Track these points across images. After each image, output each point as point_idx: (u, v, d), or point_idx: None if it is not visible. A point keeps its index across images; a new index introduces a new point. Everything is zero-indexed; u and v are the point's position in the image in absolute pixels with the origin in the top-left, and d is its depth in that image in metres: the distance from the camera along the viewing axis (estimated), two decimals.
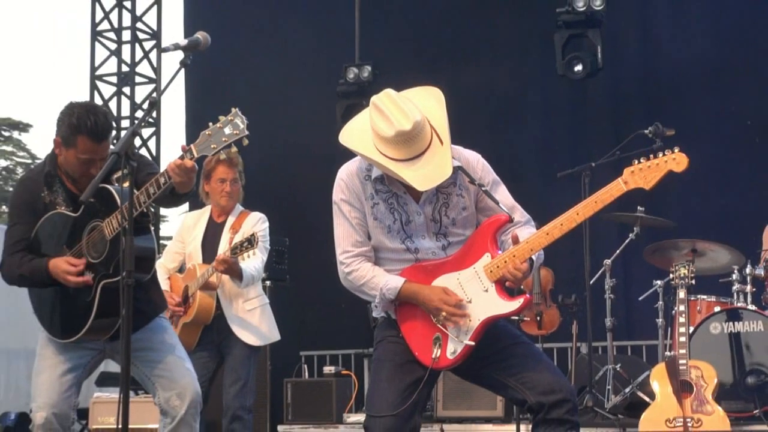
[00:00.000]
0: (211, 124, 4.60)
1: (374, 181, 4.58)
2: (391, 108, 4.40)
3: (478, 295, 4.47)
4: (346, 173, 4.66)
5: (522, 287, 4.59)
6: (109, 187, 4.77)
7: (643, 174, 4.39)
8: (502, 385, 4.56)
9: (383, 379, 4.56)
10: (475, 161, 4.65)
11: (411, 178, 4.36)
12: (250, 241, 6.47)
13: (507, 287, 4.49)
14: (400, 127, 4.34)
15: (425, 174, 4.38)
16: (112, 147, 4.62)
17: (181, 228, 7.20)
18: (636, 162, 4.40)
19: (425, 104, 4.50)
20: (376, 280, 4.56)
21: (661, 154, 4.41)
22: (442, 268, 4.55)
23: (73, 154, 4.96)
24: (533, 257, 4.47)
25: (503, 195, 4.65)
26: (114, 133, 5.19)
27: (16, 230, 5.15)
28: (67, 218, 5.03)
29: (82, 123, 4.88)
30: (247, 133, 4.55)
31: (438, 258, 4.59)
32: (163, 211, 15.24)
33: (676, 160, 4.39)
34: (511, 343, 4.58)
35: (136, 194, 4.66)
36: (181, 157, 4.57)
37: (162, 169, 4.77)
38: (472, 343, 4.44)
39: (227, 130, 4.52)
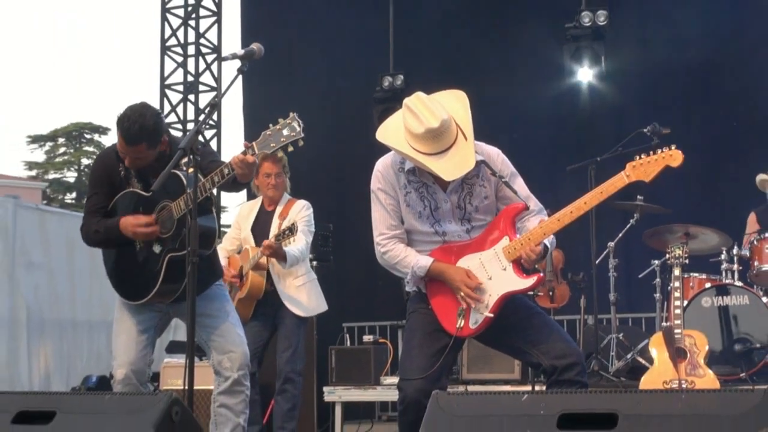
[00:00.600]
0: (271, 125, 4.63)
1: (407, 172, 4.60)
2: (421, 108, 4.42)
3: (497, 273, 4.48)
4: (382, 165, 4.70)
5: (537, 267, 4.56)
6: (179, 173, 4.78)
7: (643, 168, 4.40)
8: (520, 350, 4.58)
9: (414, 346, 4.58)
10: (496, 155, 4.68)
11: (439, 170, 4.40)
12: (291, 230, 6.57)
13: (523, 266, 4.49)
14: (428, 125, 4.37)
15: (451, 166, 4.41)
16: (180, 143, 4.61)
17: (237, 216, 7.32)
18: (637, 157, 4.41)
19: (451, 105, 4.52)
20: (408, 260, 4.59)
21: (659, 151, 4.42)
22: (467, 249, 4.58)
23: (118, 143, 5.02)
24: (546, 241, 4.47)
25: (520, 186, 4.67)
26: (168, 136, 5.15)
27: (94, 199, 5.20)
28: (140, 196, 5.05)
29: (120, 124, 4.94)
30: (302, 135, 4.58)
31: (462, 240, 4.61)
32: (223, 202, 15.25)
33: (672, 156, 4.40)
34: (528, 314, 4.58)
35: (202, 181, 4.69)
36: (244, 153, 4.59)
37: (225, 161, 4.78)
38: (492, 315, 4.46)
39: (285, 132, 4.54)
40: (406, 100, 4.50)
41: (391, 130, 4.58)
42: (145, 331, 5.15)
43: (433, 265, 4.56)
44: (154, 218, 4.95)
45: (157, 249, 4.96)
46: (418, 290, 4.69)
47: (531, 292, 7.64)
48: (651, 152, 4.42)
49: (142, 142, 4.94)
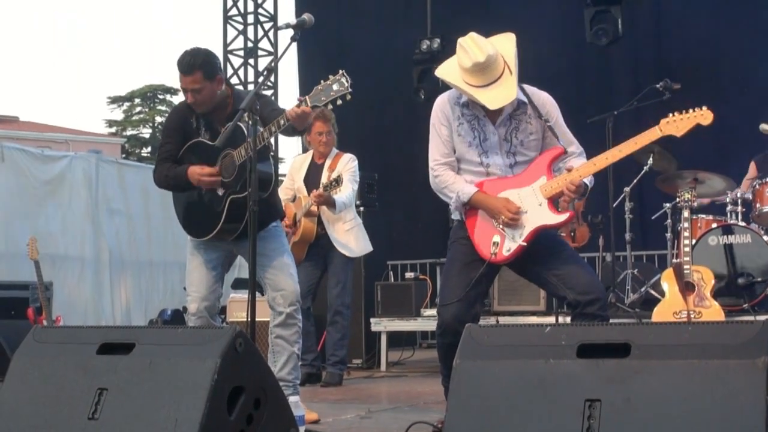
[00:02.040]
0: (322, 81, 4.61)
1: (461, 105, 4.60)
2: (471, 45, 4.44)
3: (533, 207, 4.46)
4: (440, 100, 4.70)
5: (574, 205, 4.55)
6: (240, 124, 4.75)
7: (675, 124, 4.34)
8: (548, 282, 4.55)
9: (453, 275, 4.58)
10: (546, 99, 4.68)
11: (484, 99, 4.41)
12: (338, 180, 6.58)
13: (556, 204, 4.48)
14: (475, 59, 4.38)
15: (494, 96, 4.41)
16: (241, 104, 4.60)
17: (291, 168, 7.35)
18: (671, 114, 4.34)
19: (500, 44, 4.52)
20: (455, 186, 4.58)
21: (691, 110, 4.35)
22: (507, 185, 4.54)
23: (179, 81, 5.02)
24: (587, 180, 4.45)
25: (563, 130, 4.65)
26: (229, 85, 5.15)
27: (166, 147, 5.20)
28: (206, 146, 5.04)
29: (177, 62, 4.95)
30: (350, 90, 4.55)
31: (505, 175, 4.58)
32: (281, 153, 15.27)
33: (703, 116, 4.35)
34: (558, 249, 4.56)
35: (261, 131, 4.69)
36: (298, 105, 4.58)
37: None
38: (525, 244, 4.44)
39: (335, 87, 4.53)
40: (460, 39, 4.52)
41: (446, 67, 4.60)
42: (215, 269, 5.17)
43: (476, 194, 4.53)
44: (218, 168, 4.97)
45: (220, 192, 4.97)
46: (461, 219, 4.67)
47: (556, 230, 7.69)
48: (684, 111, 4.35)
49: (196, 69, 4.90)
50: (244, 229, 4.80)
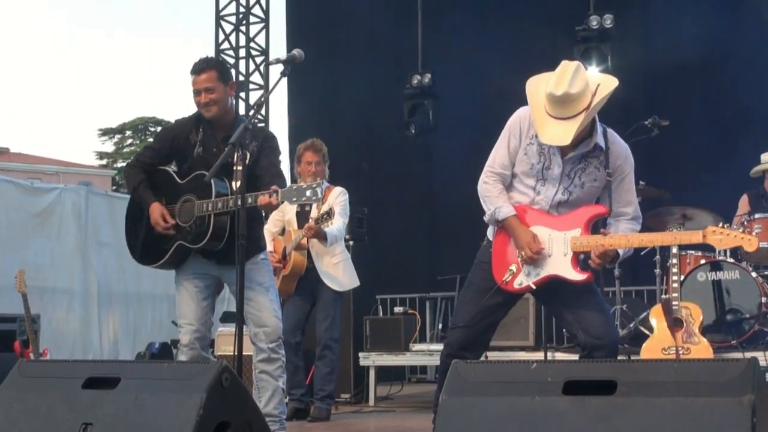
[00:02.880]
0: (300, 183, 4.70)
1: None
2: (566, 73, 4.32)
3: (558, 254, 4.43)
4: (523, 111, 4.58)
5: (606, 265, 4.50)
6: (212, 182, 4.85)
7: (719, 238, 4.32)
8: (564, 319, 4.57)
9: (467, 301, 4.62)
10: (623, 150, 4.59)
11: (539, 129, 4.34)
12: (329, 213, 6.61)
13: (580, 260, 4.43)
14: (552, 90, 4.27)
15: (552, 132, 4.31)
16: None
17: None
18: (720, 225, 4.33)
19: (602, 85, 4.37)
20: (497, 201, 4.55)
21: (741, 232, 4.33)
22: (544, 221, 4.49)
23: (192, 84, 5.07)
24: (621, 251, 4.43)
25: (627, 189, 4.58)
26: (235, 101, 5.24)
27: (146, 153, 5.26)
28: (175, 181, 5.10)
29: (191, 68, 5.03)
30: (319, 200, 4.66)
31: (547, 210, 4.52)
32: None
33: (750, 241, 4.32)
34: (585, 290, 4.49)
35: (235, 196, 4.72)
36: (270, 194, 4.62)
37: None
38: (534, 287, 4.45)
39: (308, 193, 4.58)
40: (564, 62, 4.39)
41: (537, 82, 4.47)
42: (205, 299, 5.17)
43: (512, 218, 4.50)
44: (177, 211, 5.00)
45: (171, 232, 5.02)
46: (489, 240, 4.65)
47: None
48: (735, 227, 4.36)
49: (211, 68, 4.99)
50: (231, 256, 4.80)
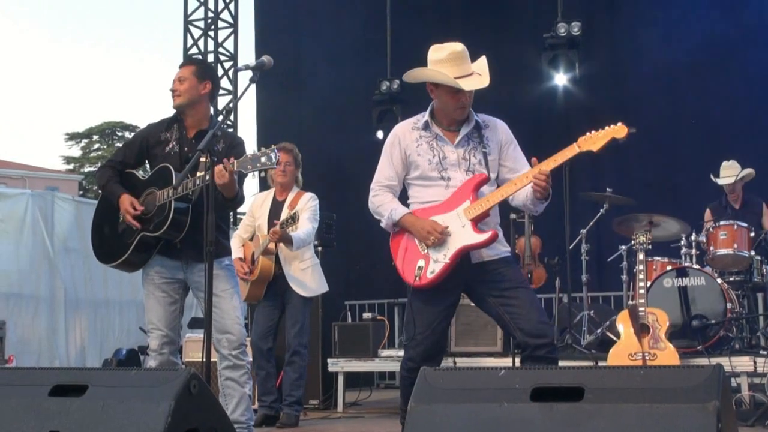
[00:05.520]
0: (254, 150, 4.75)
1: (420, 129, 4.74)
2: (445, 44, 4.67)
3: (457, 229, 4.55)
4: (399, 127, 4.88)
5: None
6: (170, 167, 4.97)
7: (592, 140, 4.46)
8: (500, 317, 4.60)
9: (417, 311, 4.65)
10: (499, 123, 4.83)
11: (460, 84, 4.55)
12: (294, 218, 6.70)
13: (479, 225, 4.55)
14: (452, 48, 4.60)
15: (470, 83, 4.58)
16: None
17: (251, 205, 7.36)
18: (588, 132, 4.46)
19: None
20: (388, 206, 4.71)
21: (607, 126, 4.47)
22: (435, 211, 4.62)
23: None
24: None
25: (516, 155, 4.76)
26: (211, 104, 5.37)
27: (119, 154, 5.37)
28: (139, 179, 5.18)
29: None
30: (275, 166, 4.73)
31: (431, 207, 4.66)
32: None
33: (617, 130, 4.46)
34: (516, 285, 4.58)
35: (191, 179, 4.81)
36: (224, 165, 4.67)
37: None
38: (449, 262, 4.52)
39: (263, 159, 4.62)
40: (433, 46, 4.71)
41: (416, 70, 4.74)
42: (173, 304, 5.16)
43: (407, 216, 4.65)
44: (141, 202, 5.06)
45: (135, 225, 5.05)
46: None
47: None
48: (601, 128, 4.48)
49: (190, 64, 5.26)
50: (195, 256, 4.93)
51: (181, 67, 5.24)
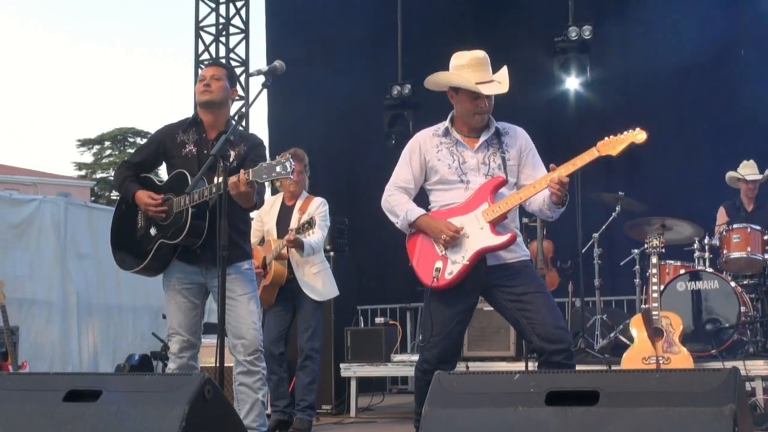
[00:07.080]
0: (269, 160, 4.72)
1: (441, 135, 4.80)
2: (466, 52, 4.78)
3: (475, 231, 4.57)
4: (419, 133, 4.94)
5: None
6: (186, 173, 4.95)
7: (611, 144, 4.49)
8: (517, 322, 4.60)
9: (434, 313, 4.66)
10: (519, 130, 4.87)
11: (480, 88, 4.63)
12: (310, 223, 6.67)
13: (497, 228, 4.57)
14: (473, 55, 4.71)
15: (490, 88, 4.66)
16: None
17: (260, 210, 7.27)
18: (607, 137, 4.49)
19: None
20: (405, 205, 4.76)
21: (626, 131, 4.50)
22: (453, 213, 4.65)
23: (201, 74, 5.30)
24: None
25: (535, 162, 4.79)
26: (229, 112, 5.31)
27: (136, 155, 5.41)
28: (154, 184, 5.17)
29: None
30: (290, 175, 4.63)
31: (449, 209, 4.71)
32: None
33: (636, 135, 4.49)
34: (534, 290, 4.59)
35: (208, 186, 4.78)
36: (239, 178, 4.65)
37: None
38: (468, 263, 4.54)
39: (278, 168, 4.59)
40: (455, 53, 4.81)
41: (436, 75, 4.82)
42: (194, 309, 5.17)
43: (423, 217, 4.69)
44: (162, 195, 5.06)
45: (153, 232, 5.06)
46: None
47: None
48: (620, 133, 4.50)
49: (222, 66, 5.40)
50: (214, 261, 4.82)
51: (212, 65, 5.30)
